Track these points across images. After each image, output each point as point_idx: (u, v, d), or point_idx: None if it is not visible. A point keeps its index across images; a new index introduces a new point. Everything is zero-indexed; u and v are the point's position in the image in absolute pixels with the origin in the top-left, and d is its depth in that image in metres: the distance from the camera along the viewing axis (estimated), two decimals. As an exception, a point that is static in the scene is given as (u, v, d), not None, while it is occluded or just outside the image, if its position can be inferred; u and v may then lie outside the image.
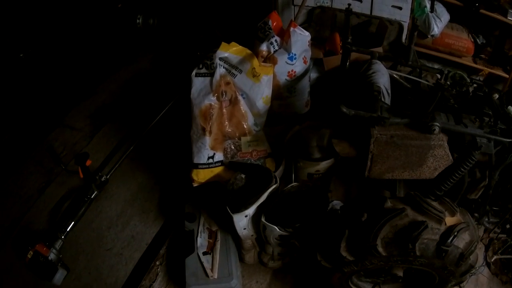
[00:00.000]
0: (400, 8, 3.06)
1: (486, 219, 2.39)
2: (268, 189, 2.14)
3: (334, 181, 2.48)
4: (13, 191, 2.81)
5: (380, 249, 1.77)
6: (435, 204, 1.86)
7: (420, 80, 2.29)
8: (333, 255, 1.92)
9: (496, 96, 2.22)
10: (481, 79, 3.78)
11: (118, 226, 2.61)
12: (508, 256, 2.71)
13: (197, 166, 2.41)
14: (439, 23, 3.33)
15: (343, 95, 2.02)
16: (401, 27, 3.06)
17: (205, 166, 2.41)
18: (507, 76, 3.72)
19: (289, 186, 2.23)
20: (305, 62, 2.65)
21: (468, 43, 3.63)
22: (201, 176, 2.42)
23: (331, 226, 2.02)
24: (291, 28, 2.53)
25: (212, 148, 2.40)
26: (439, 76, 2.27)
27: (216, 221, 2.46)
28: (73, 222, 2.46)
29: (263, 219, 2.12)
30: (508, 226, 2.49)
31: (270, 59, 2.53)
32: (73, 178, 2.82)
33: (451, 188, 2.10)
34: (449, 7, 3.51)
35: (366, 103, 1.96)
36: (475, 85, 2.29)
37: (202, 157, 2.39)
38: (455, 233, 1.76)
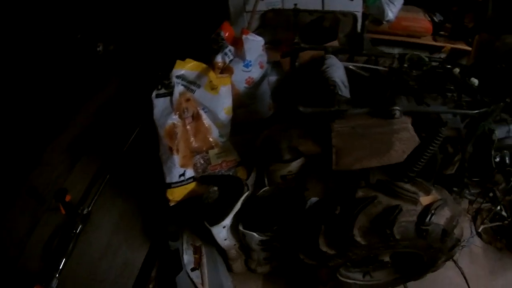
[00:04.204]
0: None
1: (467, 192, 2.42)
2: (241, 197, 2.16)
3: (310, 178, 2.50)
4: (4, 236, 2.80)
5: (358, 239, 1.78)
6: (407, 186, 1.88)
7: (377, 67, 2.31)
8: (314, 251, 1.93)
9: (457, 70, 2.24)
10: (444, 55, 3.87)
11: (109, 255, 2.59)
12: (497, 224, 2.74)
13: (170, 185, 2.41)
14: (393, 8, 3.39)
15: (299, 95, 2.03)
16: (355, 18, 3.08)
17: (178, 185, 2.41)
18: (469, 48, 3.78)
19: (261, 191, 2.25)
20: (261, 67, 2.67)
21: (426, 22, 3.69)
22: (176, 194, 2.42)
23: (308, 224, 2.03)
24: (243, 36, 2.55)
25: (182, 166, 2.41)
26: (393, 61, 2.32)
27: (198, 236, 2.46)
28: (64, 259, 2.46)
29: (240, 227, 2.14)
30: (491, 194, 2.49)
31: (226, 69, 2.55)
32: (58, 215, 2.81)
33: (426, 166, 2.10)
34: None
35: (324, 99, 1.96)
36: (434, 63, 2.30)
37: (173, 176, 2.39)
38: (433, 211, 1.77)
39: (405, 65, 2.21)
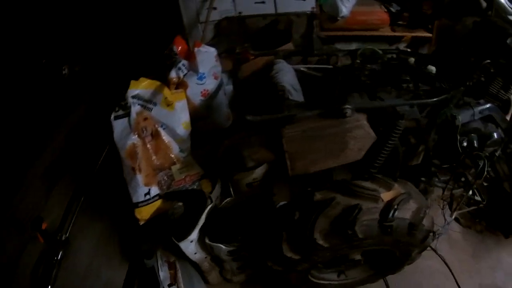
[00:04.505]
0: (304, -1, 3.12)
1: (436, 180, 2.43)
2: (204, 210, 2.17)
3: (276, 183, 2.51)
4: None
5: (321, 242, 1.78)
6: (367, 184, 1.89)
7: (327, 66, 2.32)
8: (280, 258, 1.94)
9: (412, 60, 2.27)
10: (405, 45, 3.86)
11: (91, 277, 2.56)
12: (473, 208, 2.73)
13: (137, 205, 2.41)
14: (346, 3, 3.38)
15: (247, 104, 2.04)
16: (309, 17, 3.10)
17: (144, 203, 2.41)
18: (430, 35, 3.79)
19: (223, 202, 2.26)
20: (216, 78, 2.65)
21: (382, 14, 3.68)
22: (144, 213, 2.43)
23: (272, 230, 2.04)
24: (196, 48, 2.55)
25: (146, 185, 2.41)
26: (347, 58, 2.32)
27: (172, 251, 2.46)
28: (49, 286, 2.47)
29: (207, 240, 2.16)
30: (463, 179, 2.43)
31: (181, 84, 2.53)
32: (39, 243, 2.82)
33: (389, 160, 2.11)
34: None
35: (274, 105, 1.99)
36: (389, 55, 2.34)
37: (139, 195, 2.39)
38: (395, 207, 1.77)
39: (358, 61, 2.25)
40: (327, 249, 1.83)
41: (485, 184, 2.60)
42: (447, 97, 2.08)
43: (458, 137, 2.13)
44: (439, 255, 2.58)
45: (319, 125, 1.88)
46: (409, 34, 3.82)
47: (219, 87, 2.65)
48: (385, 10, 3.71)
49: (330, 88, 2.18)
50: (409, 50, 3.83)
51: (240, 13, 2.61)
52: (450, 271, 2.51)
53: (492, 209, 2.77)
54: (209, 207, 2.18)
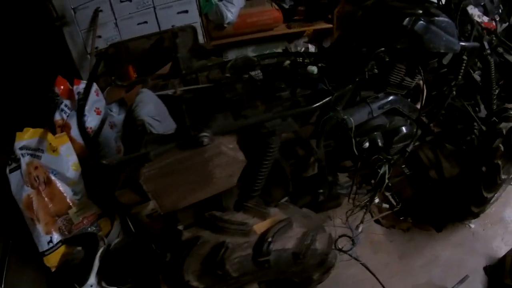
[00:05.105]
0: (187, 12, 3.08)
1: (339, 187, 2.25)
2: (97, 253, 2.15)
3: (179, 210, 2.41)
4: None
5: (195, 284, 1.64)
6: (236, 216, 1.72)
7: (197, 86, 2.12)
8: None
9: (287, 62, 2.10)
10: (307, 39, 3.79)
11: None
12: (384, 214, 2.66)
13: (44, 254, 2.39)
14: (232, 8, 3.28)
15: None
16: (194, 30, 3.05)
17: (50, 251, 2.37)
18: (331, 26, 3.70)
19: (113, 243, 2.22)
20: (98, 113, 2.61)
21: (273, 12, 3.56)
22: (52, 261, 2.38)
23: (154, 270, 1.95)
24: (74, 86, 2.51)
25: (47, 233, 2.38)
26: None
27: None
28: None
29: (104, 284, 2.12)
30: (372, 181, 2.19)
31: (65, 126, 2.48)
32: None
33: (278, 177, 1.96)
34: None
35: (134, 142, 1.79)
36: (268, 60, 2.20)
37: (43, 244, 2.35)
38: (269, 240, 1.61)
39: (227, 75, 2.08)
40: (208, 288, 1.68)
41: (408, 173, 2.53)
42: (331, 100, 1.87)
43: (354, 141, 1.94)
44: (362, 263, 2.46)
45: (177, 159, 1.65)
46: (308, 29, 3.71)
47: (103, 121, 2.59)
48: (277, 7, 3.59)
49: (194, 111, 1.97)
50: (304, 49, 3.80)
51: (113, 43, 2.54)
52: (375, 277, 2.38)
53: (419, 203, 2.68)
54: (101, 249, 2.14)
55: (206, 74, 2.26)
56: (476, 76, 2.46)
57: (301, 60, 2.25)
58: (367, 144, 2.07)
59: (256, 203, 1.82)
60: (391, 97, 2.12)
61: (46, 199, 2.41)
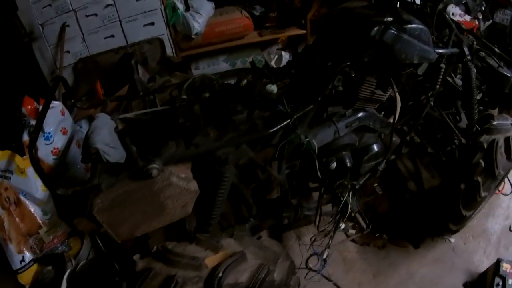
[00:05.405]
0: (153, 24, 3.07)
1: (306, 209, 2.13)
2: (64, 276, 2.20)
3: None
4: None
5: None
6: (188, 249, 1.67)
7: (151, 110, 2.02)
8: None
9: (244, 82, 1.99)
10: (281, 46, 3.69)
11: None
12: (354, 237, 2.54)
13: (17, 272, 2.45)
14: (199, 18, 3.22)
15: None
16: (161, 42, 3.06)
17: (23, 269, 2.43)
18: (304, 31, 3.59)
19: (79, 265, 2.26)
20: (65, 133, 2.60)
21: (243, 20, 3.45)
22: (25, 279, 2.44)
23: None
24: (41, 106, 2.51)
25: (19, 252, 2.44)
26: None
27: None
28: None
29: (72, 309, 2.16)
30: (341, 198, 2.00)
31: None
32: None
33: (239, 201, 1.94)
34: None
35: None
36: (228, 80, 2.13)
37: (16, 263, 2.41)
38: (220, 274, 1.55)
39: (183, 96, 1.98)
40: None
41: (379, 192, 2.29)
42: (289, 124, 1.77)
43: (317, 164, 1.83)
44: (333, 283, 2.38)
45: (127, 191, 1.61)
46: (279, 36, 3.61)
47: (70, 141, 2.60)
48: (247, 15, 3.48)
49: (147, 137, 1.91)
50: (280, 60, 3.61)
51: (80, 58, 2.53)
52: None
53: (395, 218, 2.55)
54: (68, 271, 2.18)
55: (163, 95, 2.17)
56: (458, 80, 2.26)
57: (262, 78, 2.12)
58: (334, 165, 1.97)
59: (208, 236, 1.79)
60: (360, 114, 1.99)
61: (17, 219, 2.48)
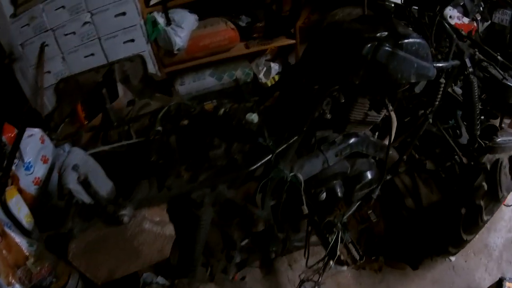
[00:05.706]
0: (133, 40, 3.00)
1: (294, 242, 2.10)
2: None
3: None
4: None
5: None
6: None
7: (130, 141, 2.03)
8: None
9: (222, 111, 1.91)
10: (269, 57, 3.58)
11: None
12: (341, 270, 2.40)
13: (8, 304, 2.49)
14: (181, 33, 3.11)
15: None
16: (142, 59, 2.99)
17: None
18: (294, 41, 3.45)
19: None
20: (45, 161, 2.54)
21: (228, 32, 3.32)
22: None
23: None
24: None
25: (9, 284, 2.43)
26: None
27: None
28: None
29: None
30: (329, 240, 1.83)
31: (13, 177, 2.46)
32: None
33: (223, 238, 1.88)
34: (194, 6, 3.25)
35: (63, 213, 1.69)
36: (209, 104, 2.15)
37: None
38: None
39: (157, 128, 1.92)
40: None
41: (374, 219, 2.17)
42: (271, 159, 1.67)
43: (304, 199, 1.72)
44: None
45: (100, 237, 1.58)
46: (266, 47, 3.47)
47: (52, 170, 2.56)
48: (232, 26, 3.34)
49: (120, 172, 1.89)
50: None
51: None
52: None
53: (392, 239, 2.41)
54: None
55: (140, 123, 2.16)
56: (457, 89, 2.12)
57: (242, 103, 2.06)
58: (324, 195, 1.85)
59: (188, 281, 1.77)
60: (351, 140, 1.87)
61: (4, 251, 2.46)
